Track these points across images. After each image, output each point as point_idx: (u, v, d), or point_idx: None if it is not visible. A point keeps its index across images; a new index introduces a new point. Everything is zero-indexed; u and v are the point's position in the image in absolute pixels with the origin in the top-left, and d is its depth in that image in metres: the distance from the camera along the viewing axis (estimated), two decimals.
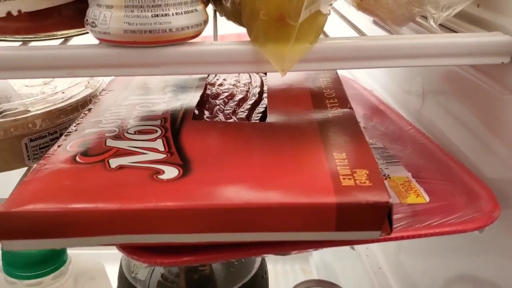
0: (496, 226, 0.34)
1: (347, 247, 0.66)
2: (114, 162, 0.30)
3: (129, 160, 0.30)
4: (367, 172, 0.29)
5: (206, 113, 0.40)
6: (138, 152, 0.31)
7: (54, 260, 0.45)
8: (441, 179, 0.38)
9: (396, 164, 0.40)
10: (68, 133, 0.35)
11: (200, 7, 0.30)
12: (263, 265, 0.45)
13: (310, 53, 0.30)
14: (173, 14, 0.28)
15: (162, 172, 0.29)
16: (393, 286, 0.55)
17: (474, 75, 0.38)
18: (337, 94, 0.41)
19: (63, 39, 0.34)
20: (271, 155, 0.31)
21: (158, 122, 0.36)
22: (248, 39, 0.30)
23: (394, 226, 0.32)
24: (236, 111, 0.41)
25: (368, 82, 0.60)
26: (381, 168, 0.39)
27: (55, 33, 0.33)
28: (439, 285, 0.47)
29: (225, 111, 0.41)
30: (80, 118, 0.38)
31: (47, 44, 0.31)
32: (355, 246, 0.63)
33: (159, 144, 0.32)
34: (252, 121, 0.39)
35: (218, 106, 0.41)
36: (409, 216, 0.33)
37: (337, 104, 0.39)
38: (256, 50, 0.30)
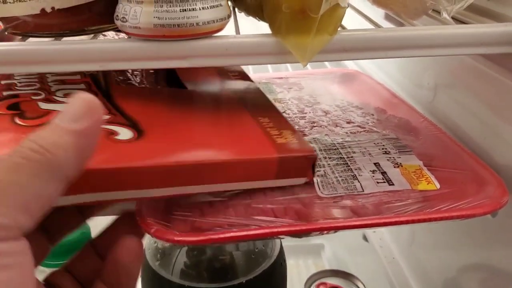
0: (510, 213, 0.35)
1: (360, 239, 0.67)
2: None
3: None
4: (291, 132, 0.36)
5: (121, 77, 0.40)
6: None
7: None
8: (452, 168, 0.39)
9: (408, 153, 0.41)
10: None
11: (224, 2, 0.31)
12: (282, 253, 0.46)
13: (329, 44, 0.31)
14: (200, 9, 0.30)
15: (116, 133, 0.30)
16: (407, 275, 0.56)
17: (486, 65, 0.39)
18: (239, 71, 0.47)
19: (93, 34, 0.35)
20: (207, 120, 0.36)
21: (82, 86, 0.35)
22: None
23: (406, 210, 0.34)
24: (143, 76, 0.42)
25: (380, 77, 0.62)
26: (393, 157, 0.40)
27: (86, 28, 0.35)
28: (453, 273, 0.48)
29: (135, 75, 0.42)
30: None
31: (79, 39, 0.32)
32: (369, 238, 0.64)
33: None
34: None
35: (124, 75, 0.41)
36: (420, 202, 0.35)
37: (239, 76, 0.45)
38: (279, 42, 0.31)
